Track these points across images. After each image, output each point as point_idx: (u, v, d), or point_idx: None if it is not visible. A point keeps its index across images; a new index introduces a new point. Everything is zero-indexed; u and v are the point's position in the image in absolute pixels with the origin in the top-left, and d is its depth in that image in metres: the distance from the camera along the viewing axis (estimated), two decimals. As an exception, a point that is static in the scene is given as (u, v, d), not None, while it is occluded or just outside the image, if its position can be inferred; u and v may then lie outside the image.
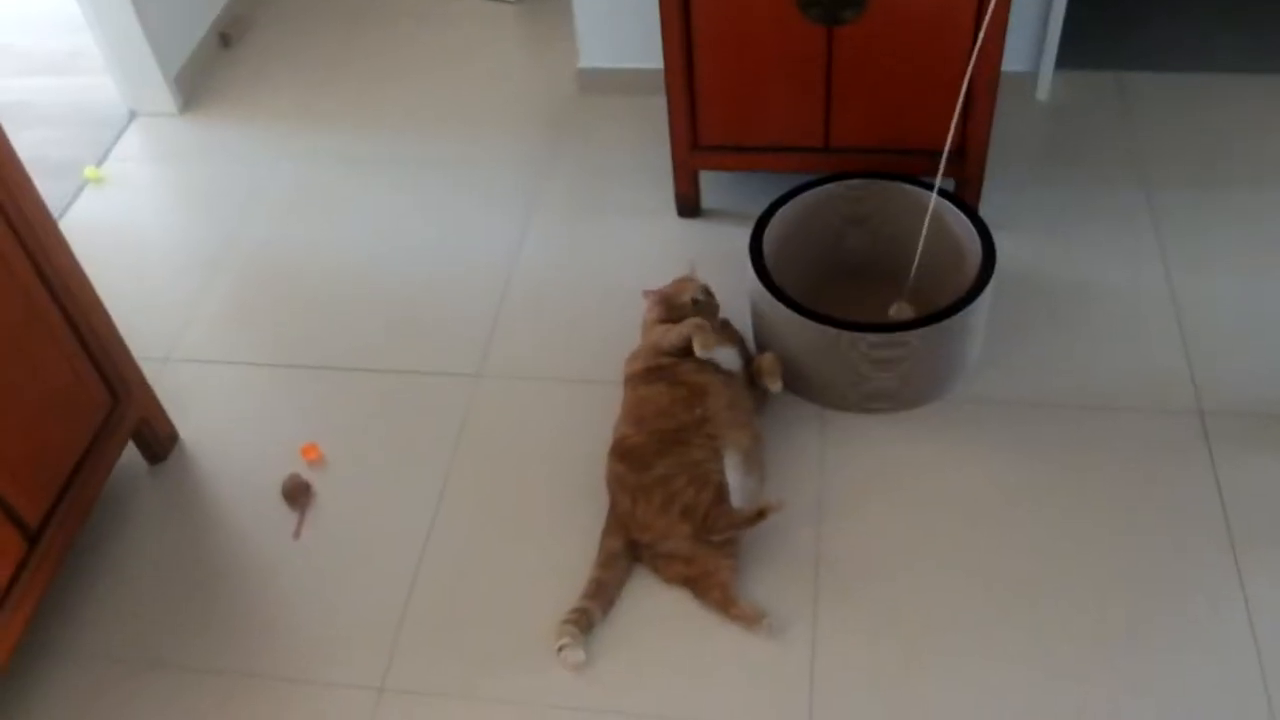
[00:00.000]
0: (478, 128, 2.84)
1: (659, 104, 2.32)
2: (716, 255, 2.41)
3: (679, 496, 1.84)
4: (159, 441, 2.12)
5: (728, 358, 2.05)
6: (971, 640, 1.78)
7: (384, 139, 2.83)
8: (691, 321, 2.01)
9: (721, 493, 1.85)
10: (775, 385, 2.04)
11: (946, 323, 1.96)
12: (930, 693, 1.72)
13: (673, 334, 2.02)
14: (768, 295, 2.03)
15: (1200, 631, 1.76)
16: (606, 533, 1.92)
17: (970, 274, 2.07)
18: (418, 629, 1.87)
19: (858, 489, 1.99)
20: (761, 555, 1.90)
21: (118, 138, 2.93)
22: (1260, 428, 2.02)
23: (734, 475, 1.90)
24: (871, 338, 1.96)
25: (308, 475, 2.09)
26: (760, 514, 1.82)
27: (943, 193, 2.16)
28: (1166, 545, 1.87)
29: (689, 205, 2.51)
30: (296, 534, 2.01)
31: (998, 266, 2.05)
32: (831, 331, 1.97)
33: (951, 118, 2.18)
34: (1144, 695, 1.69)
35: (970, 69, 2.09)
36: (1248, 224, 2.39)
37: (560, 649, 1.78)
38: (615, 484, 1.93)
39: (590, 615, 1.82)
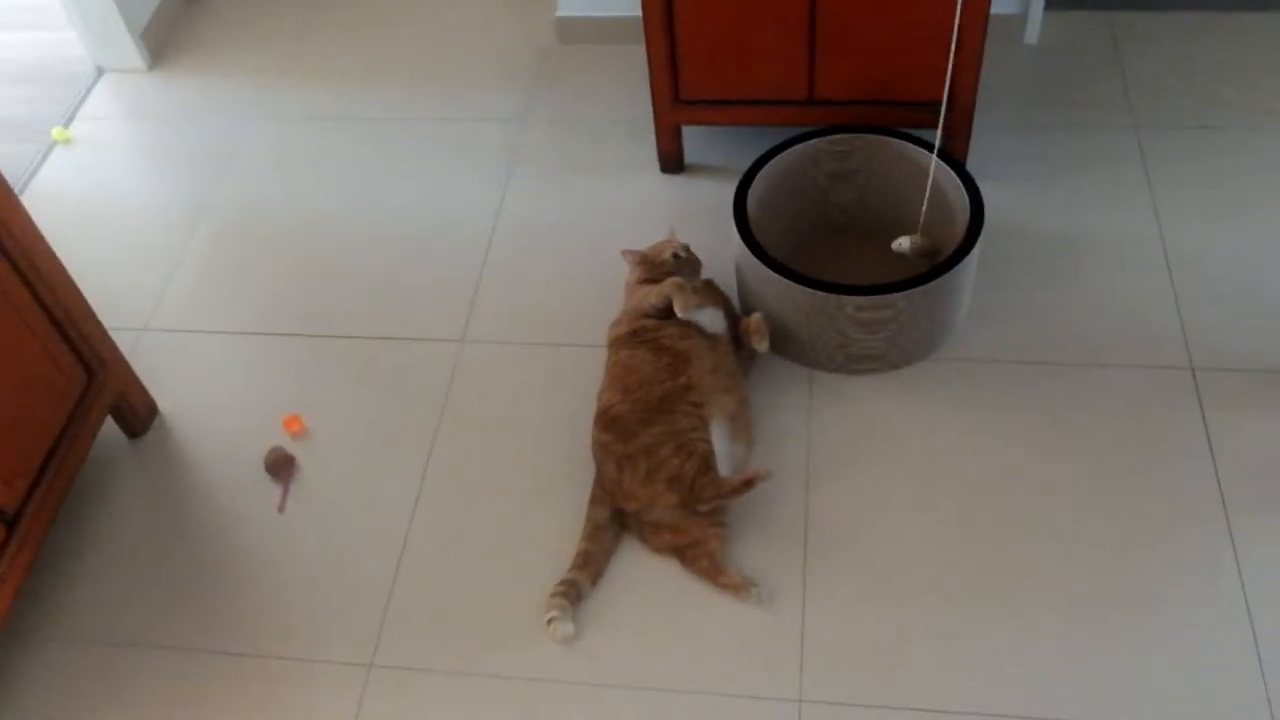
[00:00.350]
0: (456, 81, 2.77)
1: (640, 52, 2.26)
2: (701, 212, 2.37)
3: (665, 466, 1.82)
4: (138, 416, 2.09)
5: (712, 320, 2.02)
6: (961, 605, 1.77)
7: (359, 94, 2.76)
8: (671, 281, 1.97)
9: (708, 462, 1.83)
10: (762, 345, 2.02)
11: (934, 284, 1.93)
12: (921, 658, 1.72)
13: (653, 295, 1.99)
14: (752, 258, 1.99)
15: (1192, 591, 1.75)
16: (593, 502, 1.90)
17: (958, 230, 2.03)
18: (406, 604, 1.86)
19: (846, 452, 1.98)
20: (750, 521, 1.89)
21: (85, 96, 2.85)
22: (1252, 384, 2.00)
23: (720, 441, 1.88)
24: (858, 300, 1.92)
25: (291, 447, 2.07)
26: (748, 483, 1.80)
27: (928, 146, 2.11)
28: (1158, 504, 1.86)
29: (672, 161, 2.45)
30: (281, 508, 1.99)
31: (986, 218, 2.00)
32: (818, 295, 1.93)
33: (942, 68, 2.13)
34: (1136, 657, 1.69)
35: (958, 16, 2.03)
36: (1240, 168, 2.35)
37: (549, 622, 1.78)
38: (601, 453, 1.91)
39: (579, 587, 1.81)
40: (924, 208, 2.08)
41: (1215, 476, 1.88)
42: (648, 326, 1.98)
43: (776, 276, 1.96)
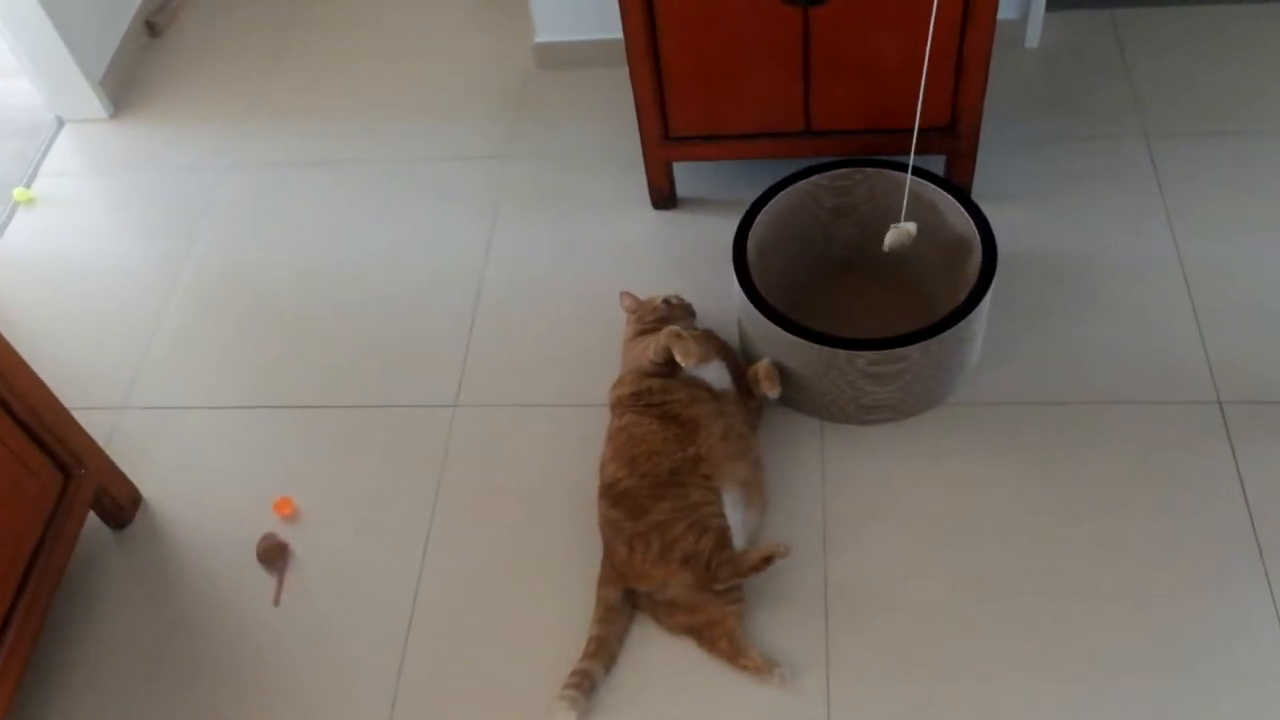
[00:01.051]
0: (434, 115, 2.65)
1: (624, 76, 2.13)
2: (698, 251, 2.27)
3: (679, 544, 1.73)
4: (120, 508, 1.99)
5: (717, 376, 1.93)
6: (990, 673, 1.69)
7: (335, 135, 2.64)
8: (667, 331, 1.88)
9: (723, 538, 1.74)
10: (774, 392, 1.92)
11: (948, 333, 1.83)
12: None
13: (651, 349, 1.90)
14: (755, 311, 1.89)
15: (1230, 647, 1.68)
16: (602, 582, 1.82)
17: (970, 266, 1.93)
18: (413, 701, 1.77)
19: (863, 510, 1.89)
20: (768, 590, 1.80)
21: (46, 150, 2.73)
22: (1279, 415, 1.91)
23: (733, 511, 1.79)
24: (869, 355, 1.83)
25: (283, 532, 1.98)
26: (766, 559, 1.71)
27: (933, 177, 2.01)
28: (1189, 554, 1.78)
29: (664, 197, 2.35)
30: (276, 600, 1.91)
31: (998, 245, 1.91)
32: (826, 350, 1.84)
33: (946, 92, 2.03)
34: (1175, 711, 1.62)
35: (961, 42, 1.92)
36: (1254, 175, 2.25)
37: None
38: (610, 531, 1.82)
39: (592, 676, 1.73)
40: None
41: (1249, 520, 1.80)
42: (653, 388, 1.89)
43: (783, 332, 1.86)
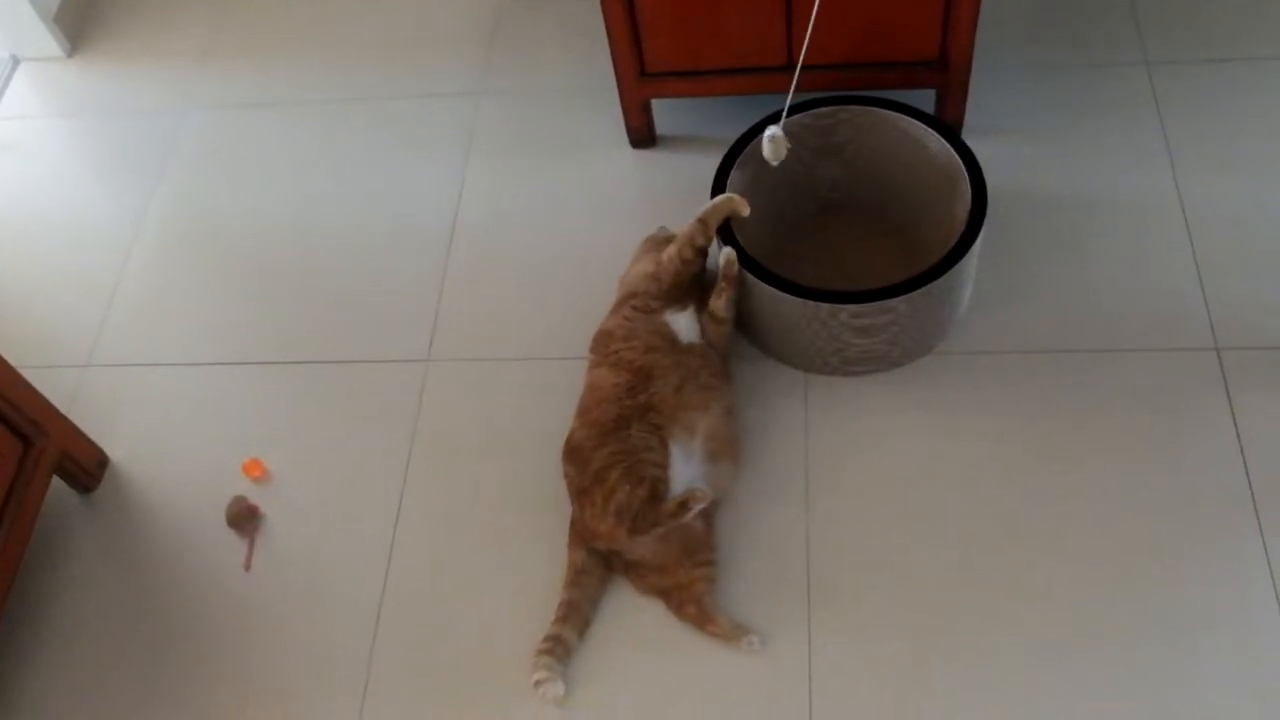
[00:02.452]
0: (403, 51, 2.53)
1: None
2: (679, 191, 2.18)
3: (614, 495, 1.67)
4: (86, 472, 1.94)
5: (687, 327, 1.84)
6: (977, 627, 1.66)
7: (300, 75, 2.53)
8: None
9: (655, 489, 1.67)
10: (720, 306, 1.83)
11: (937, 283, 1.76)
12: (937, 693, 1.61)
13: (666, 261, 1.84)
14: (751, 276, 1.81)
15: (1223, 606, 1.63)
16: (571, 544, 1.77)
17: (960, 204, 1.85)
18: (389, 665, 1.74)
19: (846, 464, 1.83)
20: (747, 551, 1.76)
21: (3, 90, 2.62)
22: (1278, 364, 1.84)
23: (687, 464, 1.73)
24: (852, 308, 1.76)
25: (253, 495, 1.93)
26: (682, 505, 1.64)
27: (919, 113, 1.91)
28: (1182, 509, 1.72)
29: (642, 136, 2.25)
30: (247, 565, 1.86)
31: (989, 182, 1.83)
32: (809, 304, 1.76)
33: (936, 21, 1.92)
34: (1163, 681, 1.58)
35: (950, -24, 1.81)
36: (1260, 107, 2.14)
37: (537, 684, 1.66)
38: (569, 488, 1.77)
39: (565, 642, 1.70)
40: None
41: (1245, 474, 1.74)
42: (614, 333, 1.83)
43: (763, 284, 1.79)
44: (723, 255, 1.82)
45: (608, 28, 2.01)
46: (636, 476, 1.67)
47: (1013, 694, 1.60)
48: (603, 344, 1.85)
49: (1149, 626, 1.63)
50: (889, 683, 1.63)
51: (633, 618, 1.74)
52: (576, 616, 1.72)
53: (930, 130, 1.90)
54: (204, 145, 2.44)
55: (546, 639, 1.69)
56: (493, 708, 1.68)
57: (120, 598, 1.86)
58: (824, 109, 1.95)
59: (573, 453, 1.76)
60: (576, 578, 1.74)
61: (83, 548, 1.92)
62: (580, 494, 1.72)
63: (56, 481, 1.92)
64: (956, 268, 1.76)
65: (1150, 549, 1.70)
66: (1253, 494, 1.72)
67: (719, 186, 1.89)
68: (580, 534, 1.75)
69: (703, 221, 1.83)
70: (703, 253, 1.85)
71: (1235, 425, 1.79)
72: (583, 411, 1.80)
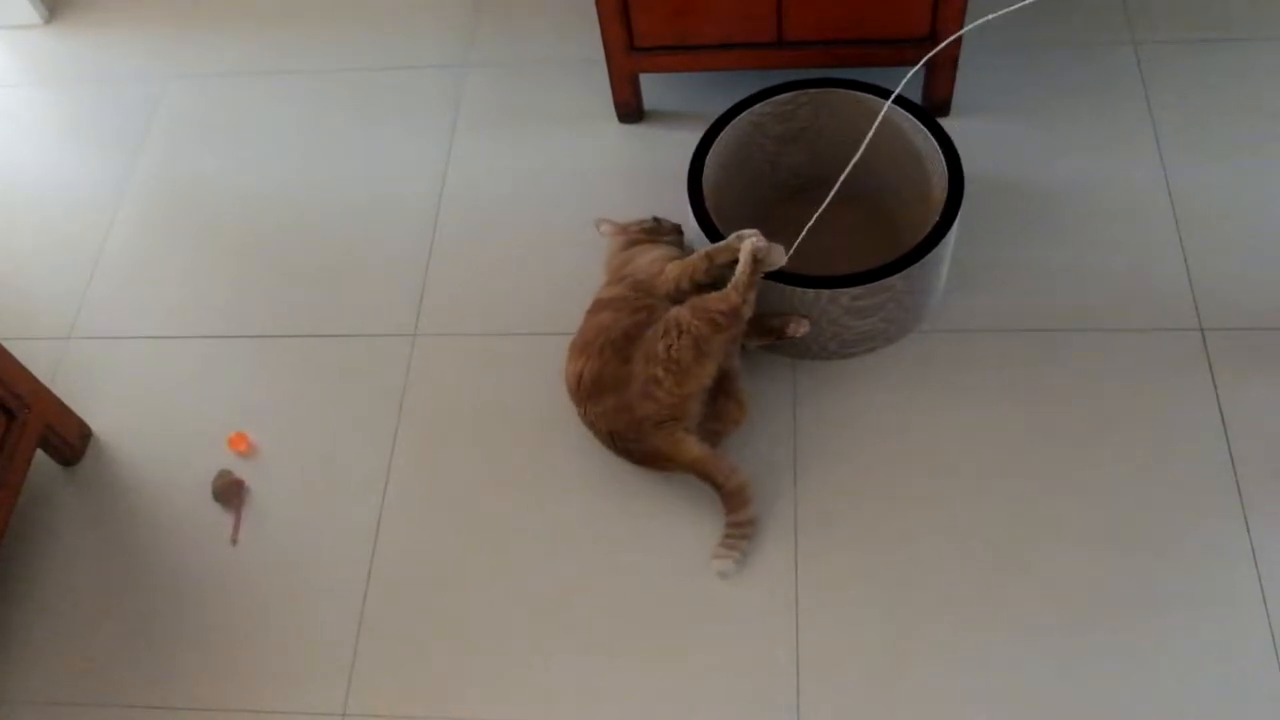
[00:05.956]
0: (388, 22, 2.50)
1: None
2: (666, 167, 2.15)
3: (670, 342, 1.68)
4: (69, 445, 1.93)
5: None
6: (960, 603, 1.67)
7: (283, 43, 2.50)
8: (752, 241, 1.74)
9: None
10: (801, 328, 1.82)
11: (929, 256, 1.76)
12: (921, 670, 1.63)
13: (673, 271, 1.78)
14: None
15: (1206, 587, 1.65)
16: (680, 452, 1.73)
17: (933, 184, 1.85)
18: (377, 642, 1.74)
19: (835, 442, 1.84)
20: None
21: (-21, 58, 2.58)
22: (1266, 343, 1.86)
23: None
24: (854, 290, 1.75)
25: (238, 468, 1.92)
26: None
27: (880, 90, 1.90)
28: (1166, 488, 1.74)
29: (630, 110, 2.24)
30: (233, 539, 1.86)
31: (974, 162, 1.84)
32: (810, 293, 1.76)
33: None
34: (1147, 659, 1.60)
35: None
36: (1247, 88, 2.15)
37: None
38: (614, 423, 1.73)
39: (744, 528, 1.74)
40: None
41: (1229, 454, 1.76)
42: (629, 298, 1.81)
43: (763, 280, 1.78)
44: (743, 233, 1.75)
45: (597, 1, 2.00)
46: (676, 330, 1.68)
47: (996, 670, 1.62)
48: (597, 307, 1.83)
49: (1131, 604, 1.65)
50: (873, 659, 1.65)
51: (622, 594, 1.74)
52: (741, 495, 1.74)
53: (895, 106, 1.89)
54: (186, 115, 2.41)
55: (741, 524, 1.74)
56: (480, 682, 1.69)
57: (104, 572, 1.85)
58: (783, 95, 1.94)
59: (595, 386, 1.73)
60: (711, 458, 1.74)
61: (66, 522, 1.90)
62: (645, 387, 1.69)
63: (40, 455, 1.91)
64: (944, 241, 1.77)
65: (1133, 527, 1.71)
66: (1235, 473, 1.74)
67: (697, 163, 1.89)
68: (670, 418, 1.71)
69: (709, 257, 1.77)
70: (702, 289, 1.79)
71: (1219, 405, 1.81)
72: (583, 345, 1.77)
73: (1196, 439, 1.78)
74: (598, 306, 1.83)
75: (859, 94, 1.92)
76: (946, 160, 1.83)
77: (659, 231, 1.95)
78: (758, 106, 1.93)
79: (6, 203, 2.32)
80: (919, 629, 1.66)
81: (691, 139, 1.93)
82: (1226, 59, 2.20)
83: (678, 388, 1.69)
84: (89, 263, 2.21)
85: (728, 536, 1.73)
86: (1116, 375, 1.85)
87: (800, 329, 1.79)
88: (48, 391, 1.88)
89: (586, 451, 1.84)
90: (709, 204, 1.86)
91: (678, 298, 1.77)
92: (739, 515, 1.73)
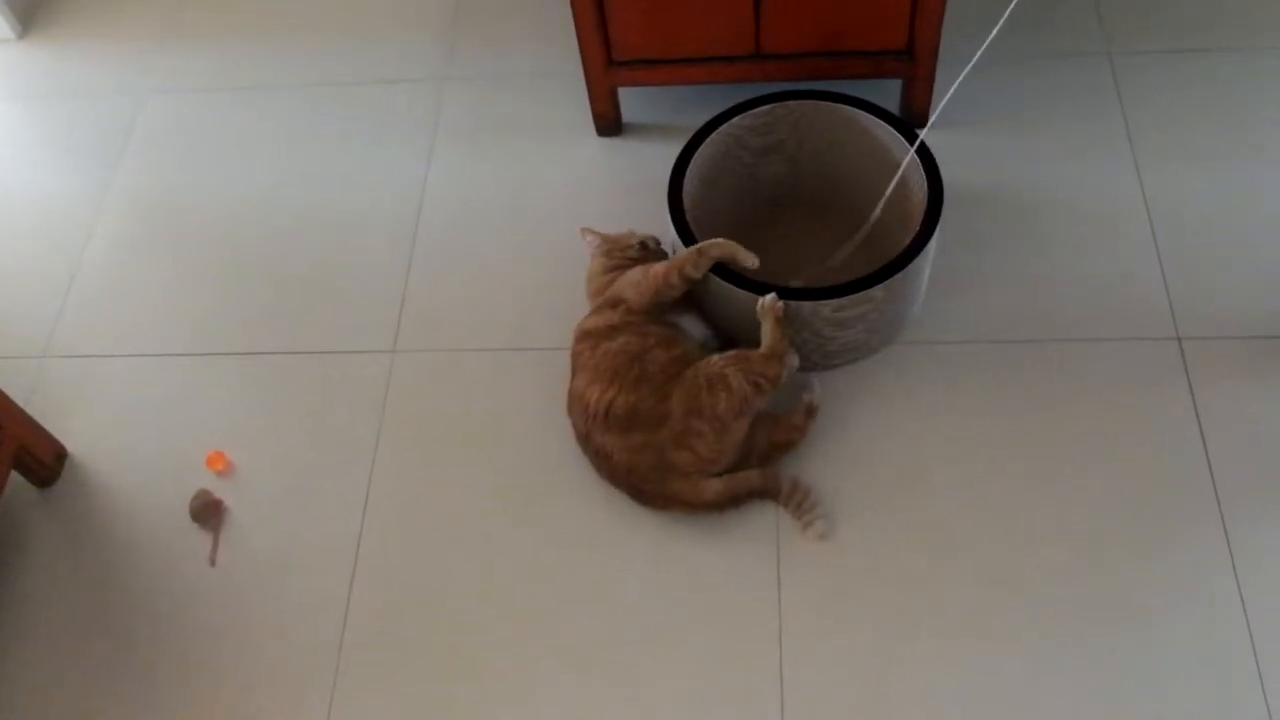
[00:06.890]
0: (366, 36, 2.49)
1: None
2: (645, 181, 2.15)
3: (717, 405, 1.71)
4: (44, 465, 1.91)
5: (691, 324, 1.86)
6: (941, 614, 1.67)
7: (261, 58, 2.49)
8: (716, 242, 1.79)
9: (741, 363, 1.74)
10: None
11: (910, 266, 1.76)
12: (904, 677, 1.63)
13: (650, 277, 1.80)
14: (715, 277, 1.80)
15: (1185, 596, 1.66)
16: (716, 489, 1.75)
17: (911, 191, 1.85)
18: (358, 662, 1.73)
19: (817, 453, 1.84)
20: (720, 534, 1.76)
21: (-48, 74, 2.56)
22: (1241, 352, 1.87)
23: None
24: (834, 302, 1.75)
25: (217, 488, 1.90)
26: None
27: (869, 105, 1.91)
28: (1146, 498, 1.75)
29: (609, 124, 2.24)
30: (212, 560, 1.84)
31: (952, 173, 1.85)
32: (791, 304, 1.76)
33: (904, 11, 1.92)
34: (1126, 670, 1.60)
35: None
36: (1221, 98, 2.17)
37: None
38: (636, 455, 1.73)
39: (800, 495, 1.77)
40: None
41: (1207, 462, 1.77)
42: (630, 323, 1.81)
43: (739, 290, 1.78)
44: (765, 300, 1.77)
45: (575, 15, 2.00)
46: (723, 385, 1.71)
47: (979, 677, 1.62)
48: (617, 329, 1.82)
49: (1111, 613, 1.65)
50: (857, 670, 1.65)
51: (611, 610, 1.73)
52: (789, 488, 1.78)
53: (870, 115, 1.91)
54: (163, 130, 2.40)
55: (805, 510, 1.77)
56: (464, 699, 1.68)
57: (81, 595, 1.82)
58: (760, 109, 1.94)
59: (631, 417, 1.72)
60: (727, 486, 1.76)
61: (41, 544, 1.88)
62: (679, 441, 1.71)
63: (14, 476, 1.89)
64: (925, 250, 1.77)
65: (1113, 536, 1.72)
66: (1214, 481, 1.75)
67: (677, 178, 1.89)
68: (703, 469, 1.74)
69: (700, 253, 1.79)
70: (690, 282, 1.81)
71: (1197, 414, 1.81)
72: (612, 374, 1.74)
73: (1174, 448, 1.79)
74: (609, 332, 1.80)
75: (838, 106, 1.93)
76: (925, 171, 1.83)
77: (646, 259, 1.92)
78: (737, 119, 1.93)
79: (-20, 220, 2.30)
80: (901, 639, 1.66)
81: (670, 152, 1.93)
82: (1200, 68, 2.22)
83: (717, 442, 1.71)
84: (65, 280, 2.19)
85: (798, 510, 1.76)
86: (1095, 385, 1.86)
87: (810, 395, 1.83)
88: (22, 411, 1.86)
89: (568, 467, 1.83)
90: (689, 217, 1.86)
91: (665, 294, 1.79)
92: (788, 493, 1.76)
